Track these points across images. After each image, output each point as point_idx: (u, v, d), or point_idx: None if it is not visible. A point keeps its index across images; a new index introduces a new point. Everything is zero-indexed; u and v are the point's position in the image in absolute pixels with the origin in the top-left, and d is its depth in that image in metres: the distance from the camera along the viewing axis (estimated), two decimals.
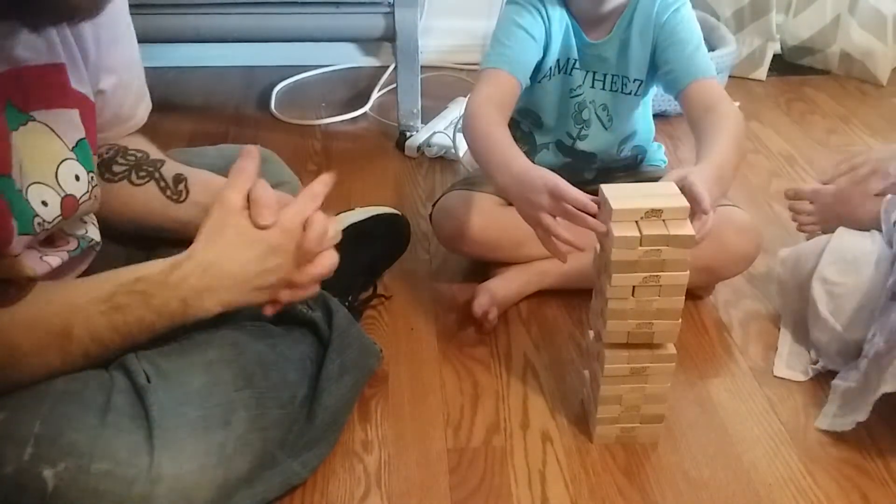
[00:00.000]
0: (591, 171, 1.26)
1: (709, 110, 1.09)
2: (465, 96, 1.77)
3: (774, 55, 2.06)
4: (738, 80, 2.00)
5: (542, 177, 0.92)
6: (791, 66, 2.10)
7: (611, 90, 1.20)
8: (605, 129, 1.22)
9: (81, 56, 0.79)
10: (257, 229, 0.78)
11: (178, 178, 0.93)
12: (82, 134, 0.78)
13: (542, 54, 1.16)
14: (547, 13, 1.15)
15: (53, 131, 0.75)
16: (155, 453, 0.72)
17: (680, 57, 1.13)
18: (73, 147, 0.77)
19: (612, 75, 1.19)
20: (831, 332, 1.03)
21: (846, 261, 1.05)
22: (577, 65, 1.18)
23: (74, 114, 0.77)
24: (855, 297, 1.03)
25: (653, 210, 0.82)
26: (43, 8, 0.64)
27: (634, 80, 1.19)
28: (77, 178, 0.77)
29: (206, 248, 0.77)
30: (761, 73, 2.04)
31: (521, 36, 1.14)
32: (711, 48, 1.85)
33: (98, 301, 0.74)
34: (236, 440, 0.78)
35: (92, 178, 0.80)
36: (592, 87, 1.20)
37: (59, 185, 0.76)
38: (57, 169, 0.76)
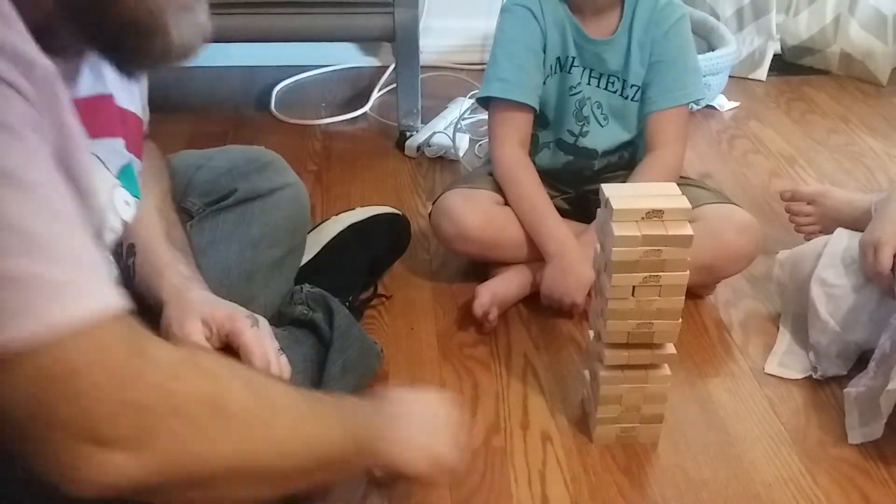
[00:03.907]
0: (592, 170, 1.26)
1: (653, 149, 1.19)
2: (465, 96, 1.77)
3: (774, 55, 2.06)
4: (738, 80, 2.00)
5: (587, 276, 1.09)
6: (791, 65, 2.10)
7: (608, 90, 1.20)
8: (602, 126, 1.22)
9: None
10: None
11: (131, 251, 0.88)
12: (125, 160, 0.77)
13: (543, 57, 1.17)
14: (542, 11, 1.15)
15: (99, 159, 0.74)
16: None
17: (661, 80, 1.17)
18: (117, 174, 0.76)
19: (610, 76, 1.19)
20: (831, 333, 1.03)
21: (845, 262, 1.05)
22: (576, 62, 1.19)
23: (119, 142, 0.76)
24: (854, 298, 1.03)
25: (654, 210, 0.82)
26: (145, 56, 0.61)
27: (632, 85, 1.19)
28: (126, 203, 0.76)
29: None
30: (761, 72, 2.03)
31: (523, 55, 1.16)
32: (711, 48, 1.85)
33: None
34: None
35: (137, 203, 0.79)
36: (589, 84, 1.20)
37: (116, 211, 0.74)
38: (113, 196, 0.74)
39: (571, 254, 1.12)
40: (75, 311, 0.48)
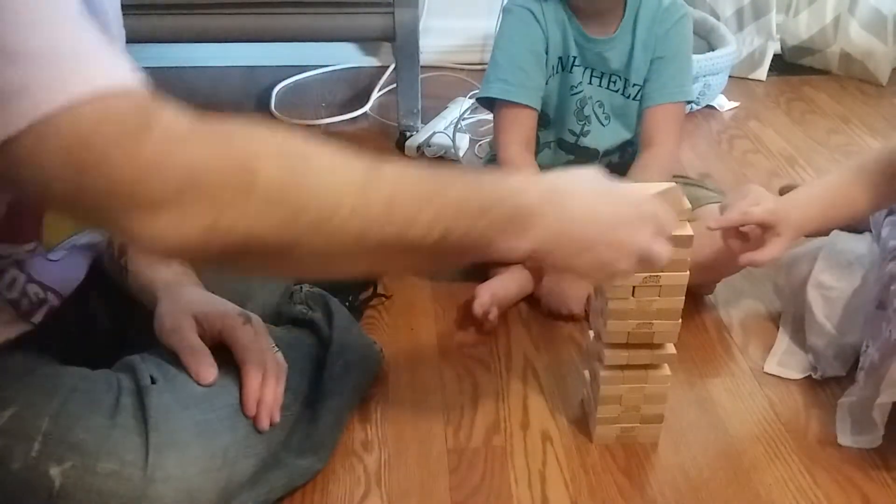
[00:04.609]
0: None
1: (649, 145, 1.19)
2: (465, 96, 1.77)
3: (774, 55, 2.06)
4: (738, 80, 2.00)
5: (585, 286, 1.09)
6: (791, 65, 2.10)
7: (610, 89, 1.20)
8: (604, 126, 1.22)
9: None
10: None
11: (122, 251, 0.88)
12: None
13: (545, 58, 1.17)
14: (543, 12, 1.15)
15: None
16: (159, 455, 0.72)
17: (659, 76, 1.17)
18: None
19: (612, 75, 1.19)
20: (828, 336, 1.03)
21: (841, 265, 1.05)
22: (577, 62, 1.19)
23: None
24: (850, 300, 1.03)
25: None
26: None
27: (634, 84, 1.19)
28: None
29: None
30: (761, 72, 2.03)
31: (524, 56, 1.16)
32: (711, 48, 1.85)
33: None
34: (239, 444, 0.78)
35: None
36: (591, 83, 1.20)
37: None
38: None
39: None
40: (96, 82, 0.50)
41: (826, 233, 1.13)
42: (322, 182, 0.58)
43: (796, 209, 0.99)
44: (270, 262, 0.59)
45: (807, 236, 1.12)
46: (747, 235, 0.99)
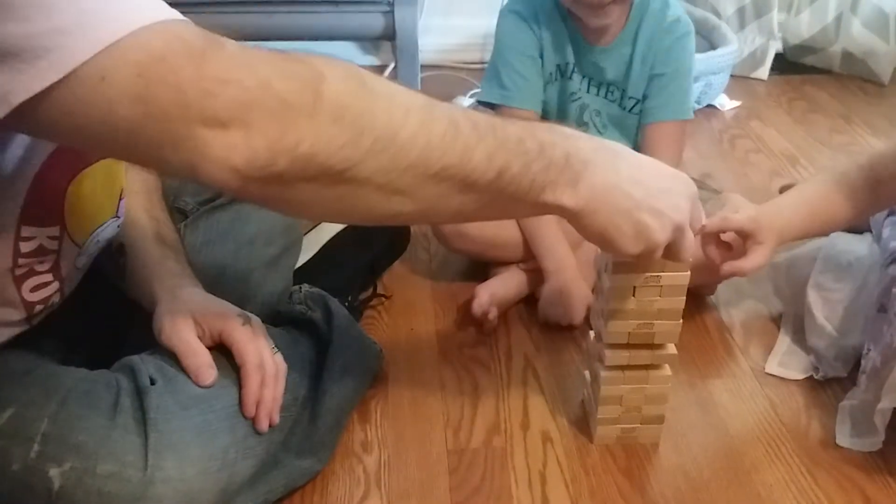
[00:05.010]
0: None
1: None
2: (465, 95, 1.77)
3: (776, 54, 2.05)
4: (739, 79, 1.99)
5: (585, 297, 1.10)
6: (793, 64, 2.09)
7: (607, 98, 1.20)
8: (601, 134, 1.22)
9: None
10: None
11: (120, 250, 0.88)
12: None
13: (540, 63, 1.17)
14: (538, 18, 1.15)
15: None
16: (159, 456, 0.72)
17: (660, 93, 1.16)
18: None
19: (610, 85, 1.19)
20: (828, 337, 1.03)
21: (840, 266, 1.05)
22: (575, 69, 1.18)
23: None
24: (850, 302, 1.03)
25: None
26: None
27: (630, 97, 1.19)
28: None
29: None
30: (763, 71, 2.03)
31: (520, 61, 1.16)
32: (713, 47, 1.84)
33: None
34: (239, 444, 0.78)
35: None
36: (588, 92, 1.20)
37: None
38: None
39: (569, 271, 1.12)
40: (158, 14, 0.53)
41: (808, 239, 1.12)
42: (385, 105, 0.59)
43: (778, 217, 0.99)
44: (332, 189, 0.59)
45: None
46: (729, 245, 0.98)
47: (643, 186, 0.69)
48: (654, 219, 0.70)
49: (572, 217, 0.69)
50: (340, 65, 0.59)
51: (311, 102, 0.55)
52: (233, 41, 0.56)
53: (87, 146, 0.67)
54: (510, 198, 0.66)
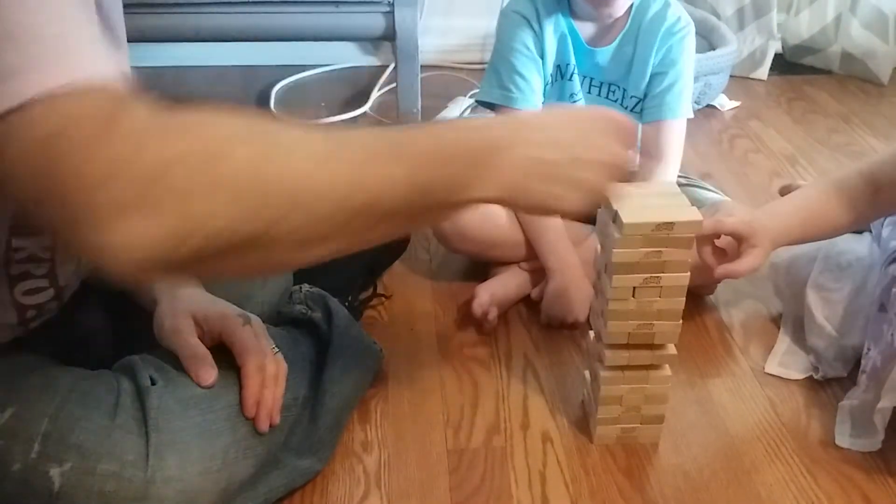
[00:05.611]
0: None
1: (652, 159, 1.18)
2: (465, 96, 1.77)
3: (775, 54, 2.06)
4: (738, 80, 1.99)
5: (588, 295, 1.06)
6: (792, 65, 2.09)
7: (608, 98, 1.20)
8: None
9: None
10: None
11: None
12: None
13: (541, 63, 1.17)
14: (539, 19, 1.15)
15: None
16: (159, 456, 0.72)
17: (661, 92, 1.17)
18: None
19: (611, 85, 1.19)
20: (828, 338, 1.03)
21: (840, 266, 1.05)
22: (575, 70, 1.18)
23: None
24: (850, 302, 1.03)
25: (664, 224, 0.81)
26: None
27: (632, 96, 1.19)
28: None
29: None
30: (762, 72, 2.03)
31: (520, 61, 1.16)
32: (712, 47, 1.84)
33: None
34: (239, 444, 0.78)
35: None
36: (589, 92, 1.20)
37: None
38: None
39: (572, 270, 1.12)
40: (74, 75, 0.49)
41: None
42: (286, 161, 0.55)
43: (773, 220, 0.98)
44: (245, 257, 0.55)
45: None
46: (724, 250, 0.98)
47: (556, 145, 0.68)
48: (582, 169, 0.69)
49: (506, 204, 0.69)
50: (240, 127, 0.55)
51: (210, 177, 0.51)
52: (144, 106, 0.51)
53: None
54: (437, 207, 0.65)
